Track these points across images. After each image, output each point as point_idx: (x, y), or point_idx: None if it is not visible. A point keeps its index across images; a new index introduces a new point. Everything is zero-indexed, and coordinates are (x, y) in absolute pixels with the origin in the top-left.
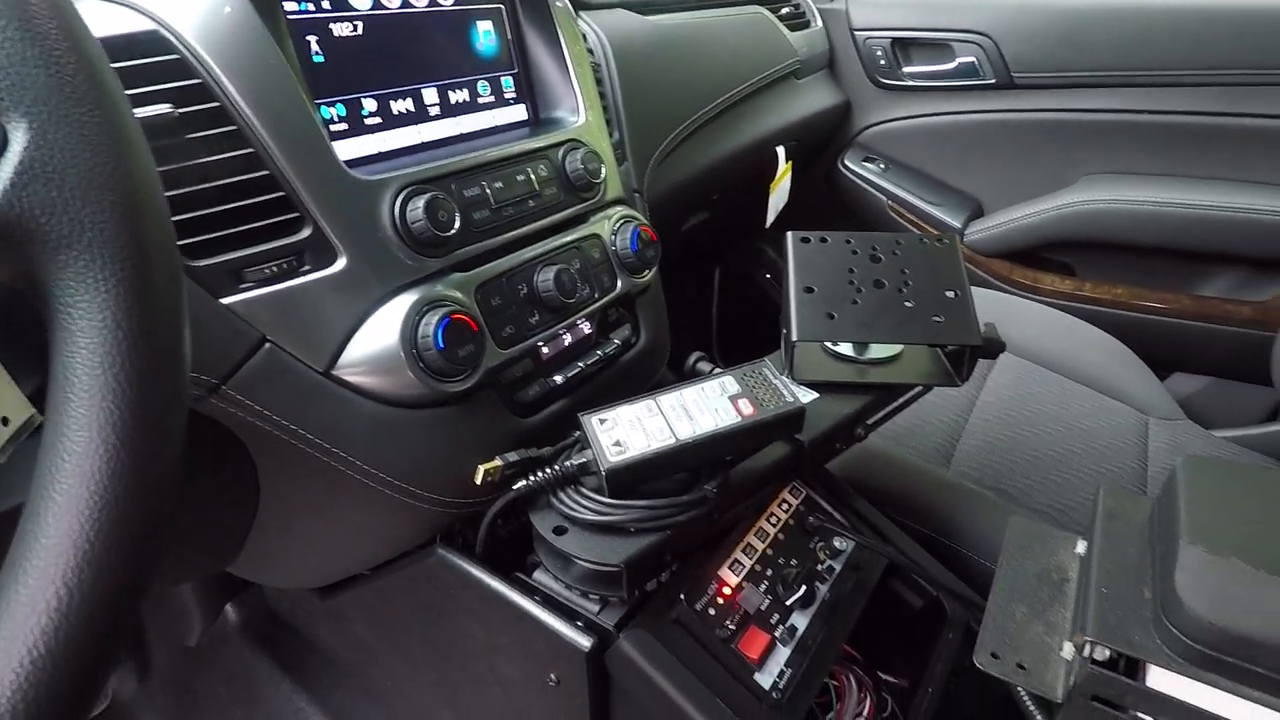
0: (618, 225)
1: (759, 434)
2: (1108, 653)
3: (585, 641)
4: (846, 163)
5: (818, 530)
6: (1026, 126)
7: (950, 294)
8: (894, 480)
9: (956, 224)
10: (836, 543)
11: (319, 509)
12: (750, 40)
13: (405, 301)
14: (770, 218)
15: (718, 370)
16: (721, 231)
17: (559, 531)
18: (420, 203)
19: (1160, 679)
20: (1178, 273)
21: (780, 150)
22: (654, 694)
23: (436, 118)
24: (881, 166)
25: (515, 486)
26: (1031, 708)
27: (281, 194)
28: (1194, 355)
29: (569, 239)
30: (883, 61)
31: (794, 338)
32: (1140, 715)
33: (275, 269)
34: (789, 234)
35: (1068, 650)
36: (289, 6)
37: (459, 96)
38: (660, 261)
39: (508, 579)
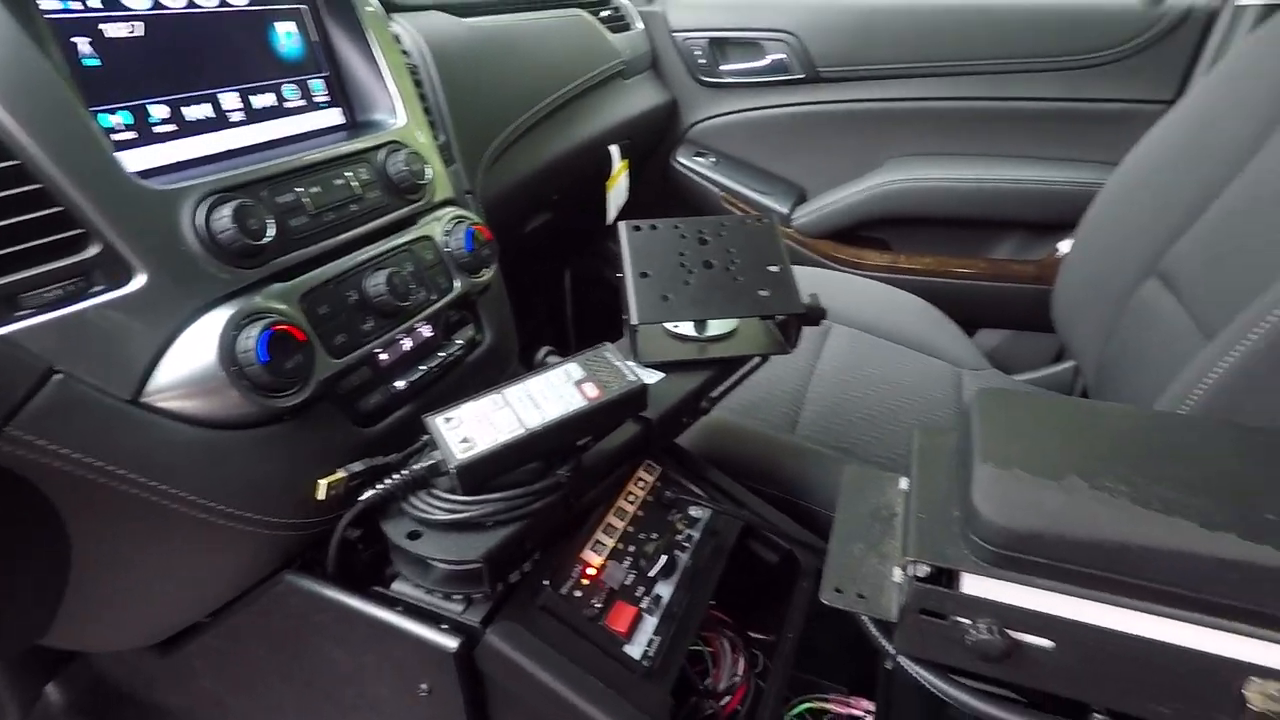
0: (450, 226)
1: (607, 415)
2: (927, 569)
3: (451, 643)
4: (679, 159)
5: (674, 503)
6: (836, 116)
7: (773, 269)
8: (745, 450)
9: (784, 210)
10: (693, 512)
11: (145, 554)
12: (573, 42)
13: (220, 316)
14: (611, 215)
15: (562, 359)
16: (567, 233)
17: (413, 536)
18: (227, 211)
19: (972, 584)
20: (974, 240)
21: (614, 149)
22: (528, 682)
23: (241, 124)
24: (712, 160)
25: (363, 497)
26: (875, 631)
27: (59, 209)
28: (994, 312)
29: (399, 242)
30: (702, 60)
31: (634, 321)
32: (960, 619)
33: (60, 291)
34: (621, 224)
35: (897, 574)
36: (47, 5)
37: (264, 101)
38: (505, 263)
39: (365, 594)
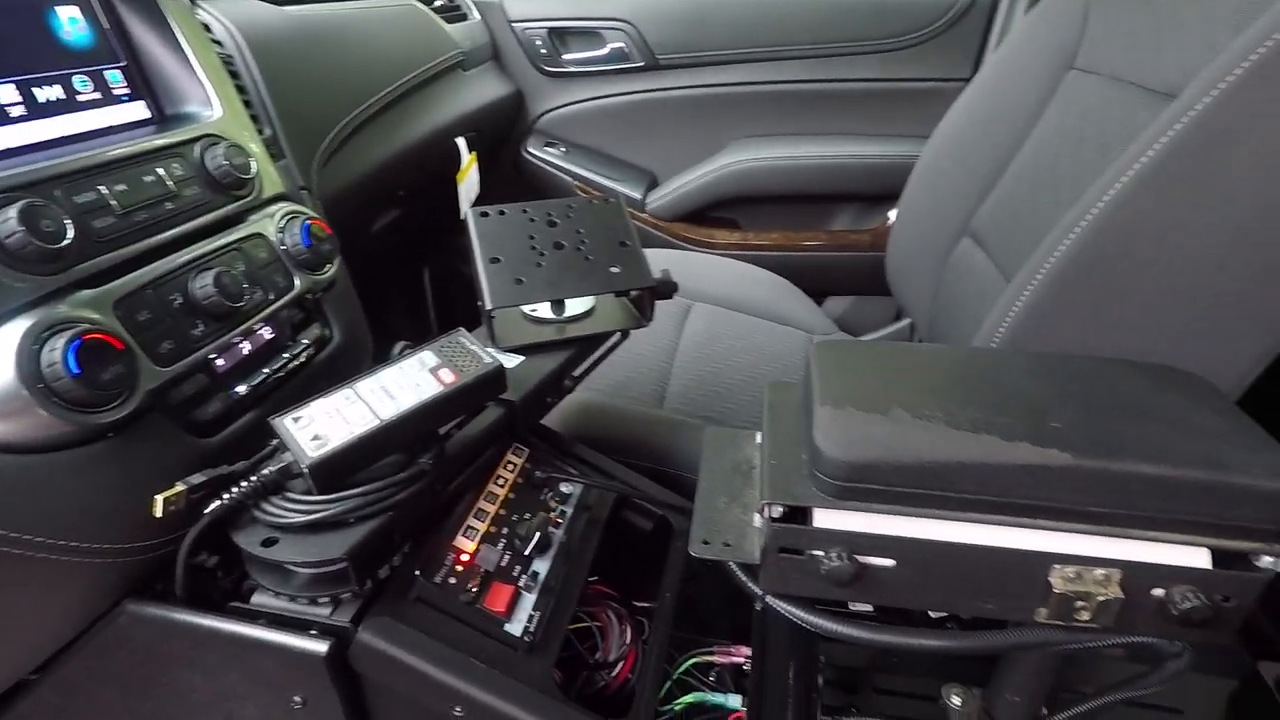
0: (283, 222)
1: (465, 399)
2: (781, 509)
3: (321, 647)
4: (530, 150)
5: (545, 482)
6: (678, 102)
7: (623, 246)
8: (616, 427)
9: (637, 195)
10: (564, 489)
11: None
12: (406, 33)
13: (15, 330)
14: (464, 209)
15: (415, 348)
16: (421, 229)
17: (269, 543)
18: (11, 213)
19: (821, 518)
20: (816, 214)
21: (461, 142)
22: (407, 674)
23: (22, 119)
24: (563, 150)
25: (208, 510)
26: (742, 576)
27: None
28: (838, 280)
29: (227, 240)
30: (544, 50)
31: (488, 306)
32: (814, 552)
33: None
34: (469, 210)
35: (757, 520)
36: None
37: (50, 94)
38: (356, 261)
39: (222, 613)
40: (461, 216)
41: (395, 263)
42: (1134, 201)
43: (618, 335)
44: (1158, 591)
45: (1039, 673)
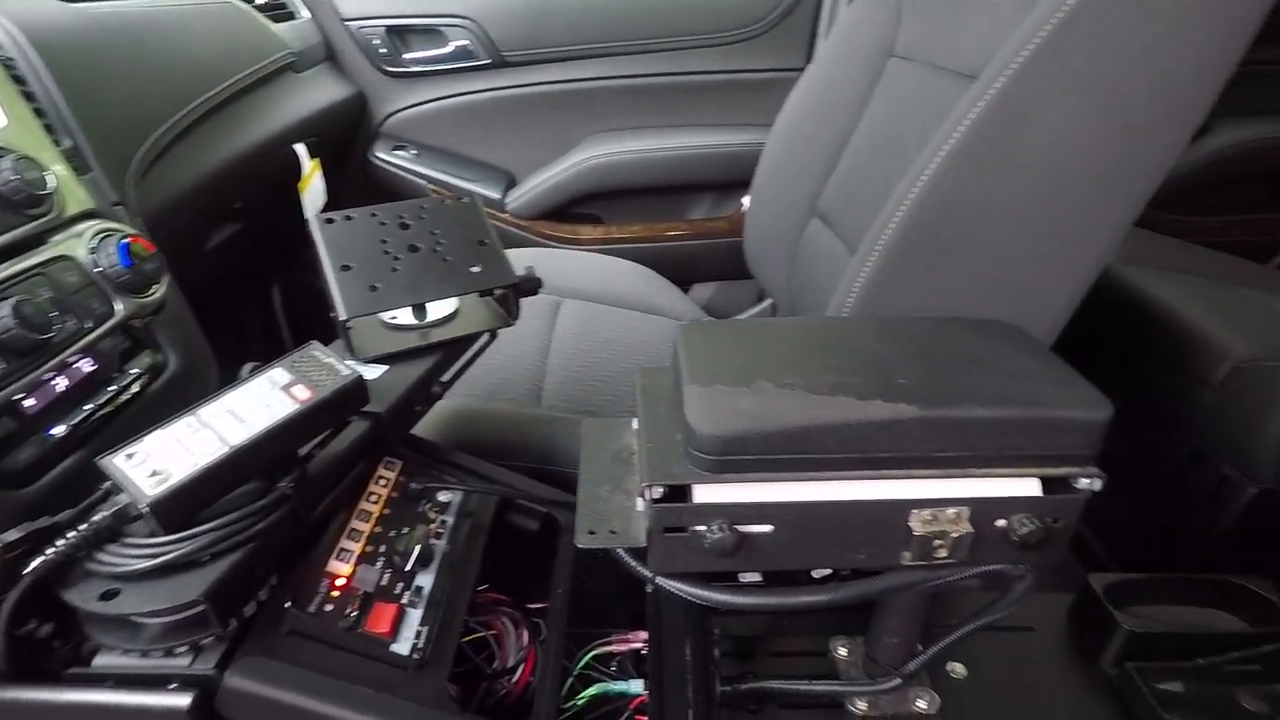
0: (95, 242)
1: (324, 415)
2: (661, 490)
3: (183, 700)
4: (378, 154)
5: (422, 493)
6: (532, 99)
7: (482, 244)
8: (493, 430)
9: (496, 194)
10: (443, 498)
11: None
12: (226, 33)
13: None
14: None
15: (265, 366)
16: (267, 244)
17: (109, 596)
18: None
19: (701, 493)
20: (675, 204)
21: (301, 149)
22: (286, 713)
23: None
24: (414, 153)
25: (28, 570)
26: (631, 561)
27: None
28: (702, 267)
29: (27, 265)
30: (383, 50)
31: (342, 317)
32: (697, 528)
33: None
34: (312, 218)
35: (640, 503)
36: None
37: None
38: (193, 281)
39: (59, 682)
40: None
41: (241, 280)
42: (950, 175)
43: (486, 337)
44: (1000, 522)
45: (911, 613)
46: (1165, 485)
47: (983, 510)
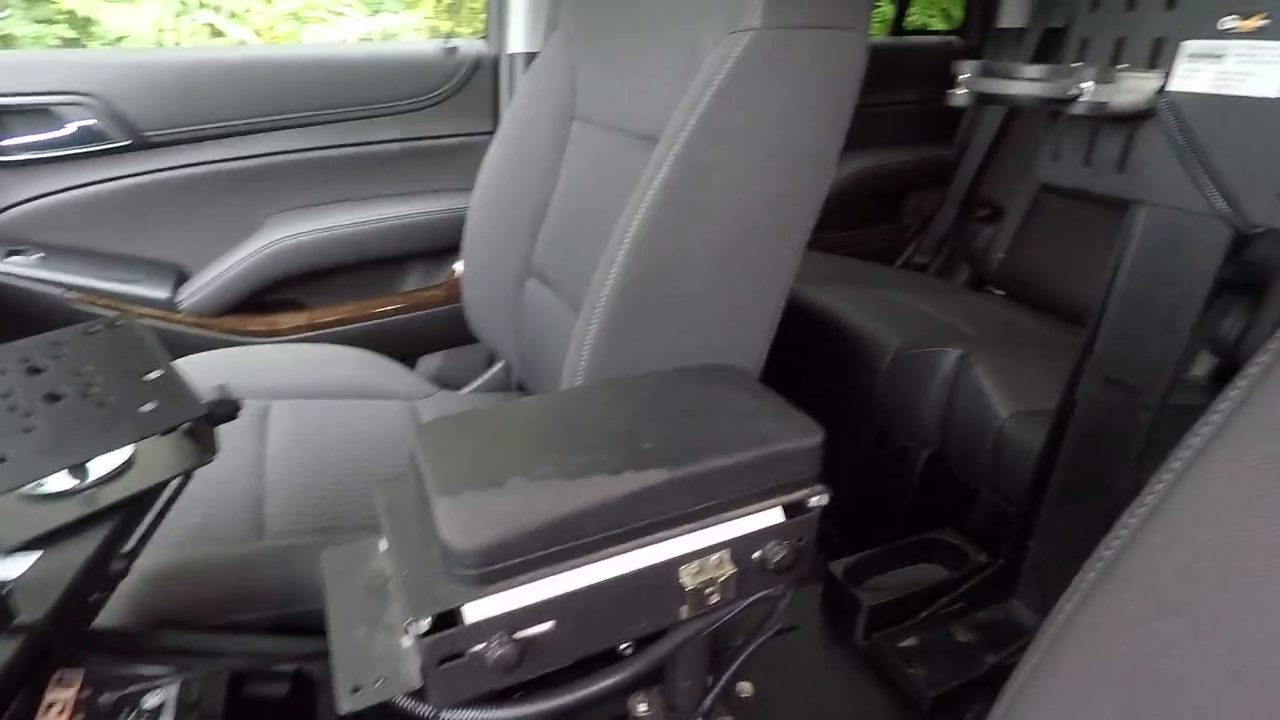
0: None
1: None
2: (427, 622)
3: None
4: None
5: (120, 701)
6: (195, 181)
7: (151, 375)
8: (208, 583)
9: (163, 294)
10: (152, 699)
11: None
12: None
13: None
14: None
15: None
16: None
17: None
18: None
19: (472, 612)
20: (385, 277)
21: None
22: None
23: None
24: (38, 257)
25: None
26: (411, 705)
27: None
28: (424, 339)
29: None
30: None
31: None
32: (475, 649)
33: None
34: None
35: (407, 640)
36: None
37: None
38: None
39: None
40: None
41: None
42: (650, 234)
43: (177, 480)
44: (757, 554)
45: (698, 656)
46: (865, 463)
47: (741, 548)
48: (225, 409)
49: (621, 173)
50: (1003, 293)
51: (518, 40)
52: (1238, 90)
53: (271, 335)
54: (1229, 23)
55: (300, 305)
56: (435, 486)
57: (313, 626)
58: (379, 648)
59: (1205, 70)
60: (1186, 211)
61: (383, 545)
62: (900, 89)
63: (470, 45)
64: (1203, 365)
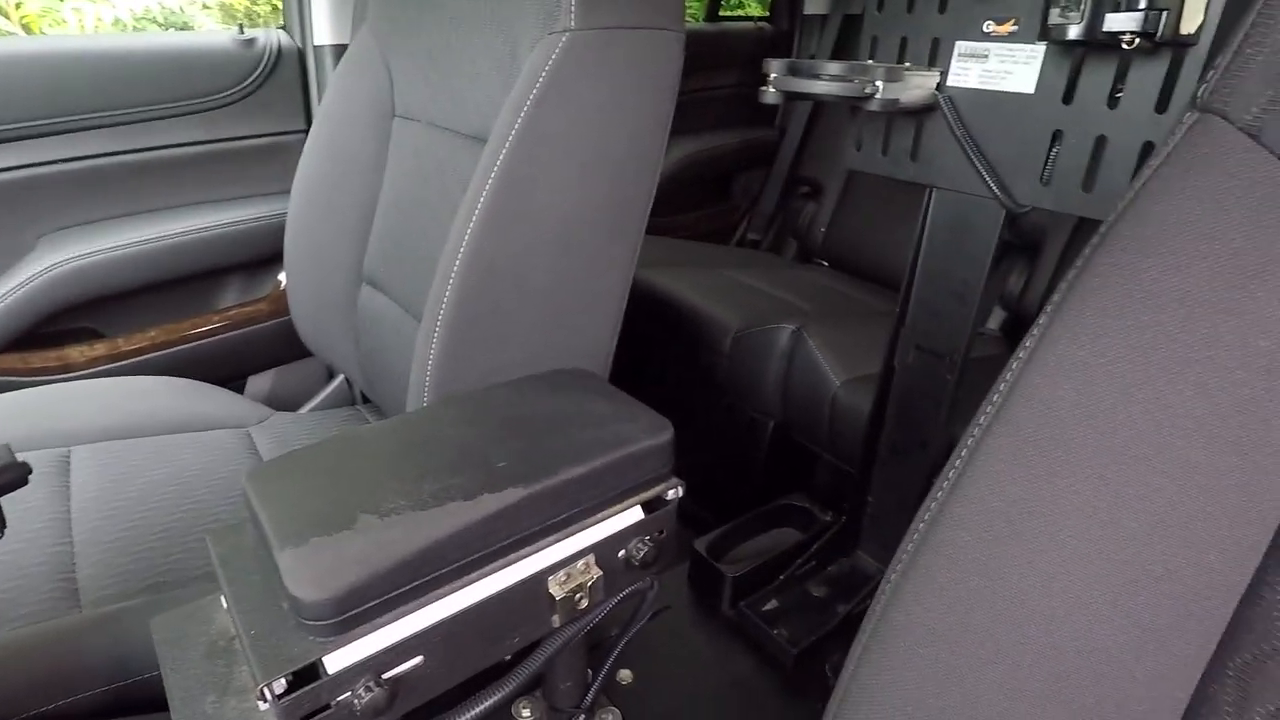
0: None
1: None
2: (283, 682)
3: None
4: None
5: None
6: None
7: None
8: (19, 670)
9: None
10: None
11: None
12: None
13: None
14: None
15: None
16: None
17: None
18: None
19: (333, 662)
20: (198, 295)
21: None
22: None
23: None
24: None
25: None
26: None
27: None
28: (251, 358)
29: None
30: None
31: None
32: (340, 699)
33: None
34: None
35: (263, 704)
36: None
37: None
38: None
39: None
40: None
41: None
42: (485, 239)
43: None
44: (621, 553)
45: (575, 655)
46: (717, 437)
47: (605, 550)
48: (7, 477)
49: (451, 173)
50: (827, 264)
51: (323, 32)
52: (1001, 86)
53: (64, 371)
54: (989, 26)
55: (97, 334)
56: (276, 536)
57: (151, 701)
58: (231, 714)
59: (973, 69)
60: (970, 195)
61: (224, 599)
62: (720, 75)
63: (269, 35)
64: (995, 319)
